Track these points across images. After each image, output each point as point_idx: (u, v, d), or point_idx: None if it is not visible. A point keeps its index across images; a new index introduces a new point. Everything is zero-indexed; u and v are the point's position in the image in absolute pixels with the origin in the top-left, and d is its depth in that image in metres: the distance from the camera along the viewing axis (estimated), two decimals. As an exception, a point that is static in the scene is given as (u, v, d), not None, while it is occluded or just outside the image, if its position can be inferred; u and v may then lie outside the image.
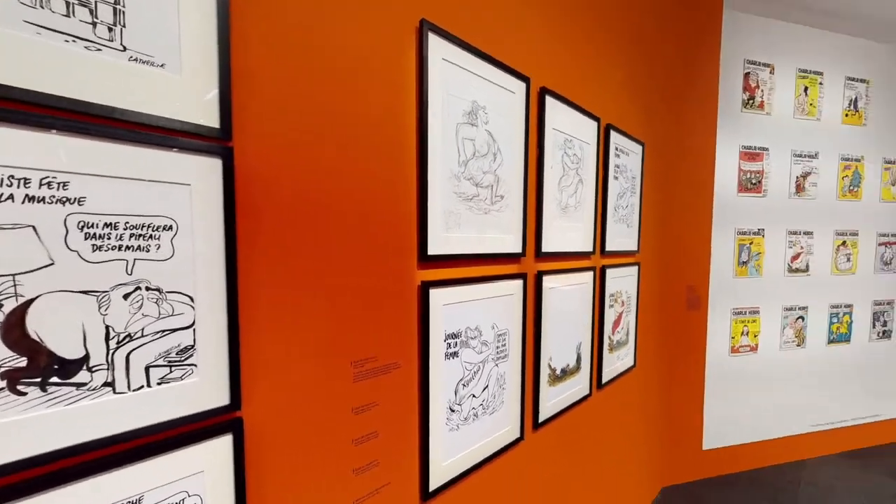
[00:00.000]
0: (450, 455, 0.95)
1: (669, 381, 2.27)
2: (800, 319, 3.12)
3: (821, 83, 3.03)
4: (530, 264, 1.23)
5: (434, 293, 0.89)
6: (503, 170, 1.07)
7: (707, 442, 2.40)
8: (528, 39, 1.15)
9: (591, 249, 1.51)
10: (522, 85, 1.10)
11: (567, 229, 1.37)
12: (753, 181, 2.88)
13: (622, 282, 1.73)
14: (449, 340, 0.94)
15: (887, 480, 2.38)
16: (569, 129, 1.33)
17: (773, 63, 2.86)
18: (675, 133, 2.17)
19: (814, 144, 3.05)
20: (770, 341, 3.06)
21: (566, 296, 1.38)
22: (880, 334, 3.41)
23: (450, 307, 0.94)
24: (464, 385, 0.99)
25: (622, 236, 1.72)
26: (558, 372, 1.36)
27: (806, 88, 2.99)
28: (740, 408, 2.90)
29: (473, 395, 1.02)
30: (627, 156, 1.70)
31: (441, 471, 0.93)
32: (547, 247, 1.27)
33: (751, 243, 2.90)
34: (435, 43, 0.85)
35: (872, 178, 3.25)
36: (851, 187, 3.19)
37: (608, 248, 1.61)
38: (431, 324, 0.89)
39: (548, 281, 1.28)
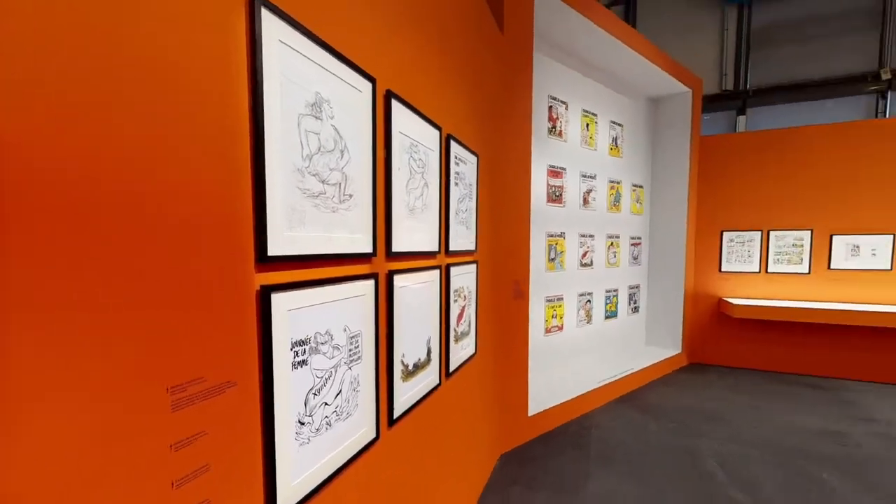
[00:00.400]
0: (301, 472, 0.88)
1: (501, 362, 2.62)
2: (588, 302, 4.05)
3: (596, 122, 4.00)
4: (381, 264, 1.24)
5: (277, 298, 0.81)
6: (351, 168, 1.05)
7: (531, 409, 2.87)
8: (375, 41, 1.17)
9: (436, 249, 1.62)
10: (369, 85, 1.11)
11: (415, 230, 1.44)
12: (557, 194, 3.60)
13: (464, 278, 1.92)
14: (296, 348, 0.87)
15: (639, 414, 3.29)
16: (414, 134, 1.40)
17: (567, 101, 3.65)
18: (501, 150, 2.52)
19: (593, 168, 4.01)
20: (570, 321, 3.87)
21: (416, 293, 1.44)
22: (633, 310, 4.70)
23: (297, 312, 0.87)
24: (315, 394, 0.92)
25: (463, 237, 1.90)
26: (411, 367, 1.41)
27: (588, 125, 3.91)
28: (552, 376, 3.57)
29: (326, 403, 0.96)
30: (465, 164, 1.90)
31: (291, 491, 0.85)
32: (397, 247, 1.30)
33: (556, 244, 3.62)
34: (270, 21, 0.78)
35: (627, 196, 4.47)
36: (615, 203, 4.31)
37: (452, 248, 1.76)
38: (275, 332, 0.80)
39: (398, 280, 1.31)
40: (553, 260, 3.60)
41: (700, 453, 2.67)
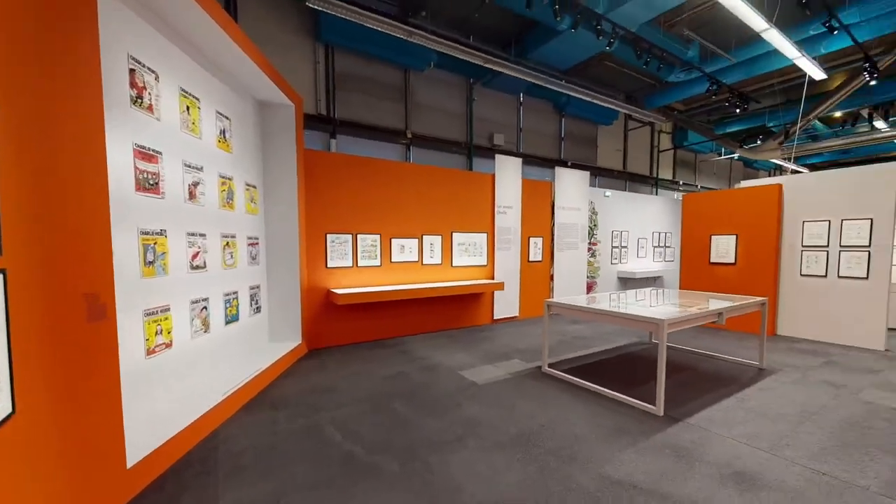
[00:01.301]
0: None
1: (75, 411, 1.82)
2: (204, 309, 3.59)
3: (199, 108, 3.58)
4: None
5: None
6: None
7: (133, 457, 2.19)
8: None
9: None
10: None
11: None
12: (152, 182, 2.92)
13: (-26, 295, 1.16)
14: None
15: (269, 411, 3.31)
16: None
17: (157, 71, 3.01)
18: (49, 104, 1.73)
19: (199, 159, 3.57)
20: (183, 334, 3.28)
21: None
22: (255, 310, 4.63)
23: None
24: None
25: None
26: None
27: (189, 108, 3.42)
28: (163, 405, 2.88)
29: None
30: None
31: None
32: None
33: (155, 243, 2.93)
34: None
35: (241, 195, 4.32)
36: (228, 200, 4.06)
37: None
38: None
39: None
40: (152, 263, 2.88)
41: (322, 426, 3.04)
